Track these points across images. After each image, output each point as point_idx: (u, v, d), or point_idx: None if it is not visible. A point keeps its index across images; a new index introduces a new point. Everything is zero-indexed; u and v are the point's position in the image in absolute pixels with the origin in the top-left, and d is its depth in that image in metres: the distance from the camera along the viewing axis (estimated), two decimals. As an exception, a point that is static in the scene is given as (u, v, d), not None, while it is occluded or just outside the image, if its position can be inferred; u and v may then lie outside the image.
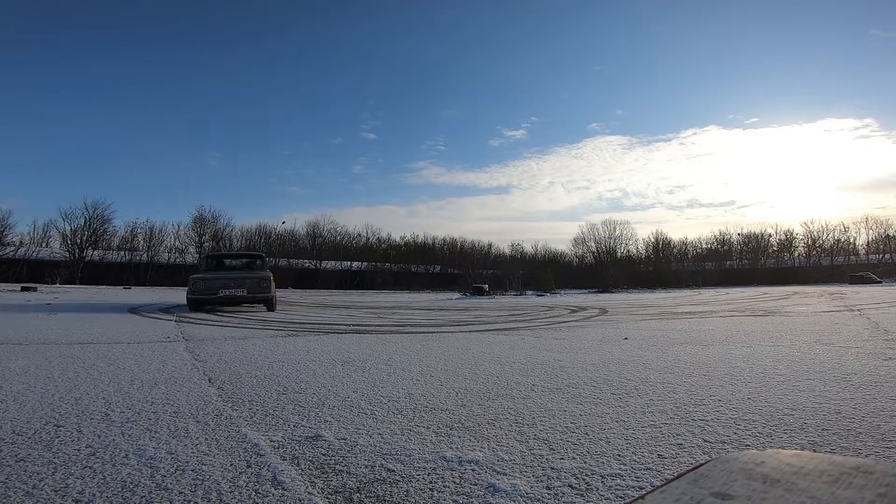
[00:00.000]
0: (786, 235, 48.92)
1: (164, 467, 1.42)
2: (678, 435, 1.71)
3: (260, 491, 1.27)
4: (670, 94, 67.23)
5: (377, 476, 1.38)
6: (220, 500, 1.23)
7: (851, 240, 47.21)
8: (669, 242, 50.43)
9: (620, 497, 1.25)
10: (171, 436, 1.70)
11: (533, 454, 1.54)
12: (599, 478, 1.36)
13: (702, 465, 0.47)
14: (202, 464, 1.45)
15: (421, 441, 1.67)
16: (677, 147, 67.56)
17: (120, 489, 1.27)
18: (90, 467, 1.41)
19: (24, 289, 18.34)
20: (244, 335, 4.95)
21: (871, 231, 46.43)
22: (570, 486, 1.32)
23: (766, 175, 68.39)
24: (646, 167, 66.82)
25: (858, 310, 7.80)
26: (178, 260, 40.56)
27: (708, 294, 19.20)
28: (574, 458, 1.51)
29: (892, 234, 44.98)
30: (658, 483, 1.32)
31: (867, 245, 46.50)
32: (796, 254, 48.58)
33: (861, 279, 30.01)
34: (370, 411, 2.05)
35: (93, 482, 1.31)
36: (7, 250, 32.69)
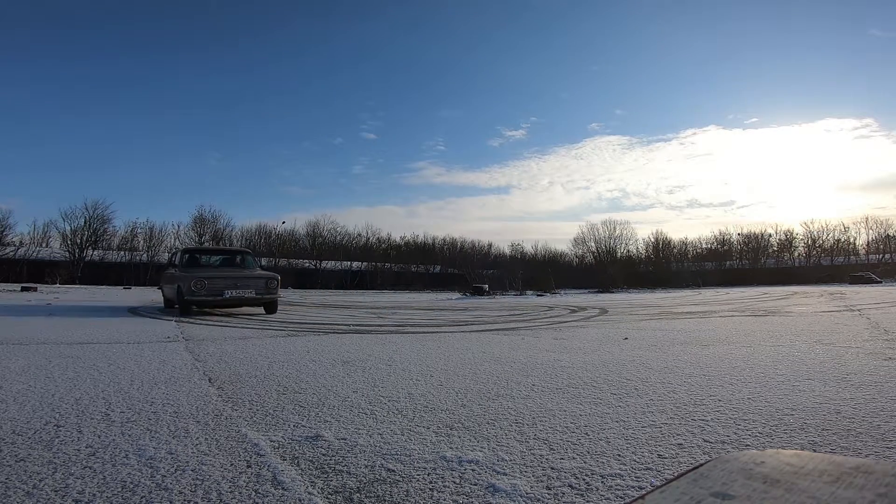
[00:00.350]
0: (786, 235, 48.96)
1: (164, 467, 1.42)
2: (678, 435, 1.71)
3: (260, 491, 1.27)
4: (670, 94, 67.30)
5: (377, 476, 1.38)
6: (220, 500, 1.23)
7: (851, 240, 47.25)
8: (669, 242, 50.48)
9: (620, 497, 1.25)
10: (171, 436, 1.70)
11: (533, 454, 1.54)
12: (599, 478, 1.36)
13: (702, 465, 0.47)
14: (202, 464, 1.45)
15: (421, 441, 1.67)
16: (677, 147, 67.63)
17: (120, 489, 1.27)
18: (90, 467, 1.41)
19: (24, 289, 18.35)
20: (244, 335, 4.95)
21: (871, 231, 46.48)
22: (570, 486, 1.32)
23: (765, 175, 68.45)
24: (645, 167, 66.85)
25: (858, 310, 7.80)
26: (178, 260, 40.50)
27: (708, 294, 19.21)
28: (574, 458, 1.51)
29: (892, 234, 45.00)
30: (658, 483, 1.32)
31: (867, 245, 46.53)
32: (796, 254, 48.60)
33: (861, 279, 30.01)
34: (370, 411, 2.05)
35: (93, 482, 1.31)
36: (7, 250, 32.69)
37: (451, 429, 1.81)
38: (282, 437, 1.71)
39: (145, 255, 38.97)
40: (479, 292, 21.27)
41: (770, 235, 49.15)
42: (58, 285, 25.26)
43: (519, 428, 1.81)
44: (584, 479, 1.35)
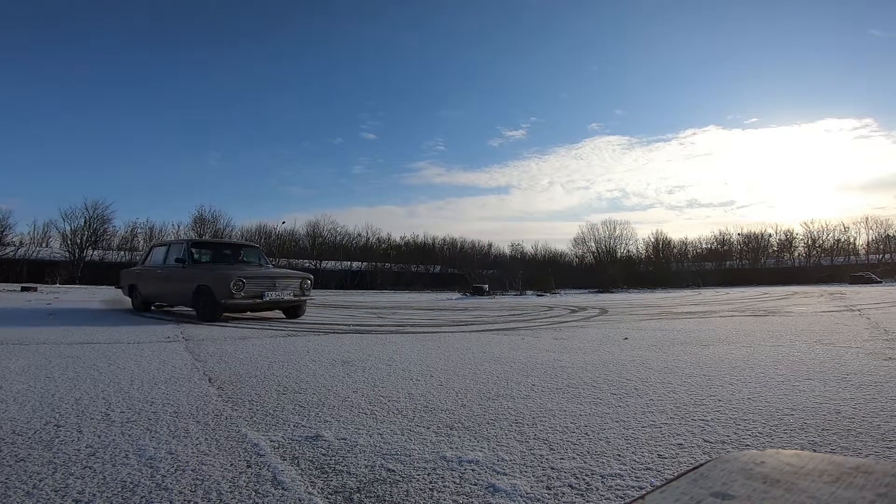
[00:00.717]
0: (786, 235, 48.95)
1: (164, 467, 1.42)
2: (678, 435, 1.71)
3: (260, 491, 1.27)
4: (669, 94, 67.28)
5: (377, 476, 1.38)
6: (220, 500, 1.23)
7: (851, 240, 47.25)
8: (669, 242, 50.47)
9: (620, 497, 1.25)
10: (171, 436, 1.70)
11: (533, 454, 1.54)
12: (599, 478, 1.36)
13: (702, 465, 0.47)
14: (202, 464, 1.45)
15: (421, 441, 1.67)
16: (677, 147, 67.62)
17: (120, 489, 1.27)
18: (90, 467, 1.41)
19: (24, 289, 18.35)
20: (244, 335, 4.95)
21: (871, 231, 46.48)
22: (570, 486, 1.32)
23: (765, 175, 68.39)
24: (645, 167, 66.82)
25: (858, 310, 7.80)
26: (178, 260, 40.52)
27: (708, 294, 19.21)
28: (574, 458, 1.51)
29: (892, 234, 45.00)
30: (658, 483, 1.32)
31: (867, 245, 46.53)
32: (796, 254, 48.59)
33: (861, 279, 30.02)
34: (370, 411, 2.05)
35: (93, 482, 1.31)
36: (7, 250, 32.70)
37: (451, 429, 1.81)
38: (282, 437, 1.71)
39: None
40: (479, 292, 21.27)
41: (770, 235, 49.18)
42: (58, 285, 25.26)
43: (519, 428, 1.81)
44: (584, 479, 1.35)
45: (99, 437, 1.68)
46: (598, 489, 1.29)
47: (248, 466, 1.43)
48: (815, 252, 46.98)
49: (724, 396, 2.25)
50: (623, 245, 49.23)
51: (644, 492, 0.47)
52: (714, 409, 2.05)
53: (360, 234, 48.75)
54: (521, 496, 1.25)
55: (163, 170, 58.81)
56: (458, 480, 1.35)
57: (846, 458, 0.46)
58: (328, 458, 1.51)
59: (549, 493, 1.27)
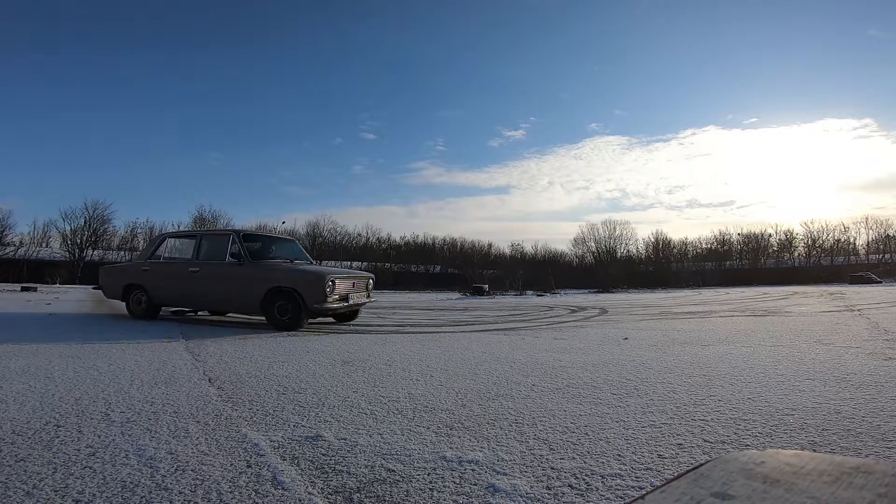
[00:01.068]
0: (786, 235, 48.96)
1: (164, 467, 1.42)
2: (678, 435, 1.71)
3: (260, 491, 1.27)
4: (669, 94, 67.21)
5: (377, 476, 1.38)
6: (220, 500, 1.23)
7: (851, 240, 47.26)
8: (669, 242, 50.45)
9: (620, 497, 1.25)
10: (171, 436, 1.70)
11: (533, 454, 1.54)
12: (599, 478, 1.36)
13: (702, 465, 0.47)
14: (202, 464, 1.45)
15: (421, 441, 1.67)
16: (676, 147, 67.56)
17: (120, 489, 1.27)
18: (90, 467, 1.41)
19: (23, 289, 18.35)
20: (244, 335, 4.95)
21: (871, 231, 46.48)
22: (570, 486, 1.32)
23: (765, 175, 68.29)
24: (645, 167, 66.77)
25: (858, 310, 7.80)
26: (178, 260, 40.53)
27: (708, 294, 19.21)
28: (574, 458, 1.51)
29: (892, 234, 45.02)
30: (658, 483, 1.32)
31: (867, 245, 46.54)
32: (796, 254, 48.60)
33: (861, 279, 30.01)
34: (370, 411, 2.05)
35: (93, 482, 1.31)
36: (7, 250, 32.70)
37: (451, 429, 1.81)
38: (282, 437, 1.71)
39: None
40: (478, 292, 21.27)
41: (770, 235, 49.18)
42: (58, 285, 25.26)
43: (519, 428, 1.81)
44: (584, 479, 1.35)
45: (99, 437, 1.68)
46: (598, 489, 1.29)
47: (248, 466, 1.43)
48: (815, 252, 46.99)
49: (724, 396, 2.25)
50: (623, 245, 49.23)
51: (644, 492, 0.47)
52: (714, 409, 2.05)
53: (359, 234, 48.79)
54: (521, 496, 1.25)
55: (162, 170, 58.81)
56: (458, 480, 1.35)
57: (846, 458, 0.46)
58: (328, 458, 1.51)
59: (549, 493, 1.27)
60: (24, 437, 1.67)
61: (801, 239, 48.30)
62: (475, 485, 1.32)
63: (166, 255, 6.82)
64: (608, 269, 40.51)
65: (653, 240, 50.16)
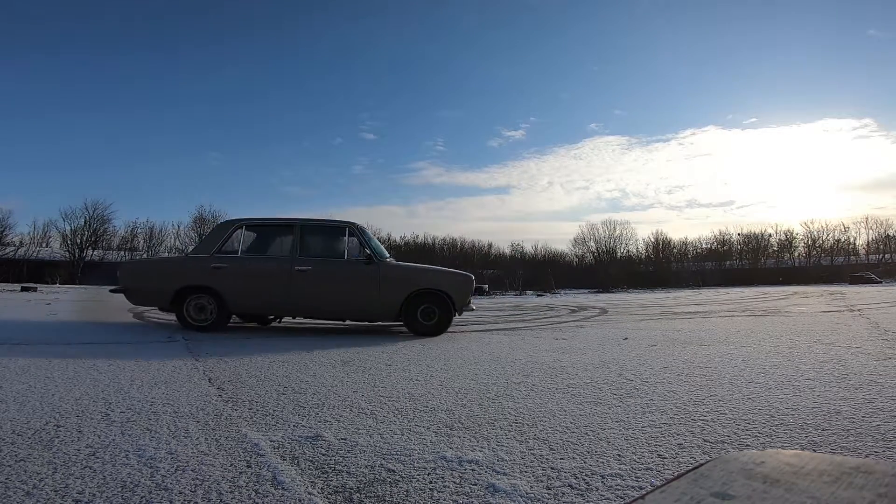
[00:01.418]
0: (786, 235, 48.97)
1: (164, 467, 1.42)
2: (678, 435, 1.71)
3: (260, 491, 1.27)
4: (669, 94, 67.17)
5: (377, 476, 1.38)
6: (220, 500, 1.23)
7: (851, 240, 47.27)
8: (669, 242, 50.43)
9: (620, 497, 1.25)
10: (171, 436, 1.70)
11: (533, 454, 1.54)
12: (599, 478, 1.36)
13: (702, 465, 0.47)
14: (202, 464, 1.45)
15: (421, 441, 1.67)
16: (676, 147, 67.51)
17: (120, 489, 1.27)
18: (90, 467, 1.41)
19: (23, 289, 18.35)
20: (244, 335, 4.95)
21: (871, 231, 46.49)
22: (570, 486, 1.32)
23: (765, 175, 68.26)
24: (645, 167, 66.75)
25: (858, 310, 7.80)
26: (178, 260, 40.53)
27: (708, 294, 19.20)
28: (574, 458, 1.51)
29: (892, 234, 45.02)
30: (658, 483, 1.32)
31: (867, 245, 46.54)
32: (796, 254, 48.61)
33: (861, 279, 30.00)
34: (370, 411, 2.05)
35: (93, 482, 1.31)
36: (7, 250, 32.70)
37: (451, 429, 1.81)
38: (282, 437, 1.71)
39: (146, 256, 38.96)
40: (478, 292, 21.26)
41: (770, 235, 49.19)
42: (58, 285, 25.26)
43: (519, 428, 1.81)
44: (584, 479, 1.35)
45: (99, 437, 1.68)
46: (598, 489, 1.29)
47: (248, 466, 1.43)
48: (815, 252, 46.99)
49: (724, 396, 2.25)
50: (623, 245, 49.20)
51: (644, 492, 0.47)
52: (714, 409, 2.05)
53: (360, 234, 48.73)
54: (521, 496, 1.25)
55: (162, 170, 58.80)
56: (458, 480, 1.35)
57: (846, 458, 0.46)
58: (328, 458, 1.51)
59: (549, 493, 1.27)
60: (24, 437, 1.67)
61: (801, 239, 48.32)
62: (475, 485, 1.32)
63: (243, 248, 5.38)
64: (608, 269, 40.50)
65: (653, 240, 50.15)
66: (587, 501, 1.23)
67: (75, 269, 33.44)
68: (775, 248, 49.53)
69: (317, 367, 3.11)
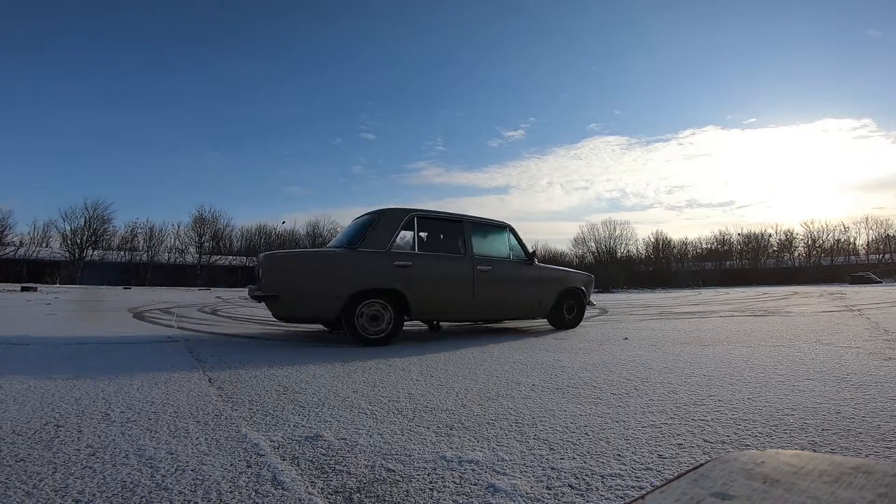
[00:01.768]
0: (786, 235, 48.99)
1: (164, 467, 1.42)
2: (678, 435, 1.71)
3: (260, 491, 1.27)
4: (668, 94, 67.39)
5: (377, 476, 1.38)
6: (220, 500, 1.22)
7: (851, 240, 47.32)
8: (669, 242, 50.49)
9: (620, 497, 1.25)
10: (171, 436, 1.70)
11: (533, 454, 1.54)
12: (599, 478, 1.36)
13: (702, 465, 0.47)
14: (202, 464, 1.45)
15: (421, 441, 1.67)
16: (676, 147, 67.61)
17: (120, 489, 1.27)
18: (90, 467, 1.41)
19: (23, 289, 18.34)
20: (244, 335, 4.95)
21: (871, 231, 46.56)
22: (570, 486, 1.31)
23: (765, 175, 68.49)
24: (644, 167, 66.90)
25: (858, 310, 7.80)
26: (178, 260, 40.62)
27: (708, 294, 19.20)
28: (574, 458, 1.51)
29: (892, 234, 45.02)
30: (658, 483, 1.32)
31: (867, 245, 46.56)
32: (796, 254, 48.62)
33: (861, 279, 30.01)
34: (370, 411, 2.05)
35: (93, 482, 1.31)
36: (7, 250, 32.70)
37: (451, 429, 1.81)
38: (282, 437, 1.71)
39: (145, 255, 38.97)
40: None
41: (770, 235, 49.23)
42: (58, 285, 25.25)
43: (519, 428, 1.81)
44: (584, 479, 1.35)
45: (99, 437, 1.68)
46: (598, 489, 1.29)
47: (248, 466, 1.43)
48: (815, 252, 46.99)
49: (724, 396, 2.25)
50: (623, 245, 49.21)
51: (644, 492, 0.47)
52: (714, 409, 2.05)
53: (360, 234, 48.71)
54: (521, 496, 1.25)
55: (162, 169, 58.80)
56: (458, 480, 1.35)
57: (846, 458, 0.46)
58: (328, 458, 1.51)
59: (549, 493, 1.27)
60: (24, 437, 1.67)
61: (801, 239, 48.36)
62: (475, 485, 1.32)
63: (420, 246, 4.71)
64: (608, 269, 40.50)
65: (653, 240, 50.23)
66: (587, 501, 1.23)
67: (75, 269, 33.42)
68: (775, 248, 49.54)
69: (317, 367, 3.11)
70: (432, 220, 4.80)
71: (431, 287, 4.41)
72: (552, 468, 1.43)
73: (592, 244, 49.20)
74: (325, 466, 1.44)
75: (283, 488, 1.29)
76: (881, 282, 29.61)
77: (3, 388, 2.40)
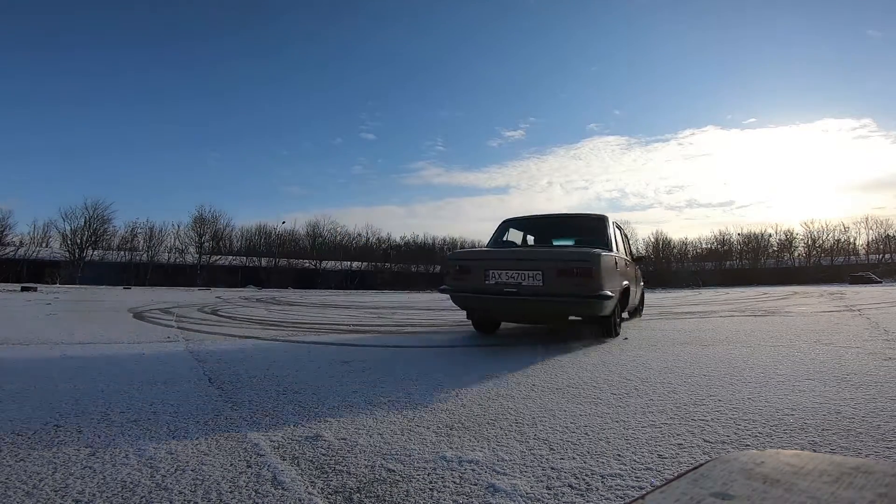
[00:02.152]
0: (786, 235, 49.00)
1: (164, 467, 1.42)
2: (678, 435, 1.71)
3: (260, 491, 1.27)
4: (668, 94, 67.44)
5: (377, 476, 1.38)
6: (220, 500, 1.22)
7: (851, 240, 47.32)
8: (669, 242, 50.50)
9: (620, 497, 1.25)
10: (171, 436, 1.70)
11: (533, 454, 1.54)
12: (599, 478, 1.36)
13: (702, 465, 0.47)
14: (202, 464, 1.45)
15: (421, 441, 1.67)
16: (675, 147, 67.66)
17: (120, 489, 1.27)
18: (90, 467, 1.41)
19: (23, 289, 18.34)
20: (244, 335, 4.95)
21: (871, 231, 46.57)
22: (570, 486, 1.31)
23: (765, 175, 68.51)
24: (644, 167, 66.95)
25: (858, 310, 7.80)
26: (178, 260, 40.63)
27: (708, 294, 19.20)
28: (574, 458, 1.51)
29: (892, 234, 45.03)
30: (658, 483, 1.32)
31: (867, 245, 46.57)
32: (796, 254, 48.62)
33: (861, 279, 30.00)
34: (370, 411, 2.05)
35: (93, 482, 1.31)
36: (7, 250, 32.71)
37: (451, 429, 1.81)
38: (282, 437, 1.71)
39: (145, 256, 38.99)
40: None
41: (770, 235, 49.23)
42: (58, 285, 25.25)
43: (519, 428, 1.81)
44: (584, 479, 1.35)
45: (99, 437, 1.68)
46: (598, 489, 1.29)
47: (248, 466, 1.43)
48: (815, 252, 47.00)
49: (724, 396, 2.25)
50: (623, 245, 49.14)
51: (644, 492, 0.48)
52: (714, 409, 2.05)
53: (359, 234, 48.87)
54: (521, 496, 1.25)
55: (162, 170, 58.84)
56: (458, 480, 1.35)
57: (846, 458, 0.46)
58: (328, 458, 1.51)
59: (549, 493, 1.27)
60: (24, 437, 1.67)
61: (801, 239, 48.36)
62: (475, 485, 1.32)
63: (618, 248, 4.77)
64: (608, 269, 40.42)
65: (653, 240, 50.23)
66: (587, 501, 1.23)
67: (75, 269, 33.43)
68: (775, 248, 49.55)
69: (317, 367, 3.11)
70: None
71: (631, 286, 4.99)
72: (552, 468, 1.43)
73: (592, 244, 49.13)
74: (325, 466, 1.44)
75: (283, 488, 1.29)
76: (881, 282, 29.60)
77: (3, 388, 2.40)
